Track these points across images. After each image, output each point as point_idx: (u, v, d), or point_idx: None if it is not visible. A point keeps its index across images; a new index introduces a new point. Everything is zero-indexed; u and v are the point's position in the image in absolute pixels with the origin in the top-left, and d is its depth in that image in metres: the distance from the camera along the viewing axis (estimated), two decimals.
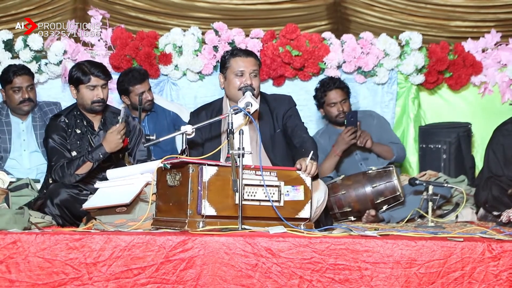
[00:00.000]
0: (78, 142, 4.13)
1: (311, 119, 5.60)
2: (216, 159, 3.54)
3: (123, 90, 5.10)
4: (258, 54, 5.47)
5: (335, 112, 5.10)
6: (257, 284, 2.91)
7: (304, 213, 3.41)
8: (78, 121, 4.19)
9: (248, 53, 3.95)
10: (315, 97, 5.18)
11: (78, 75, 4.09)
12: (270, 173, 3.35)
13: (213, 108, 4.00)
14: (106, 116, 4.23)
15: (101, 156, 4.01)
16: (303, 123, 3.99)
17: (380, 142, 5.07)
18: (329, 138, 5.13)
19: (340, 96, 5.09)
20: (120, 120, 4.04)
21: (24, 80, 4.84)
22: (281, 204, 3.34)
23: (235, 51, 3.94)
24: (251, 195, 3.29)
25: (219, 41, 5.51)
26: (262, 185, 3.30)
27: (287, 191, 3.37)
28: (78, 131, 4.17)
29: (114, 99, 5.31)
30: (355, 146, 5.01)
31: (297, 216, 3.38)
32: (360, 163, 5.08)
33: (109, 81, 4.19)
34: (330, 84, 5.11)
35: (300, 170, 3.43)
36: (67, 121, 4.17)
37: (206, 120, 3.81)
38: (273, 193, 3.34)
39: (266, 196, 3.31)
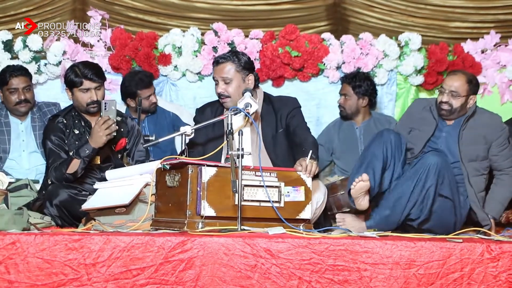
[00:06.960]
0: (77, 143, 4.12)
1: (310, 120, 5.58)
2: (217, 160, 3.54)
3: (130, 93, 5.08)
4: (257, 54, 5.47)
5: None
6: (256, 285, 2.91)
7: (305, 214, 3.41)
8: (76, 121, 4.18)
9: (217, 61, 3.89)
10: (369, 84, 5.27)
11: (71, 78, 4.08)
12: (270, 174, 3.35)
13: (218, 106, 3.99)
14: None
15: (88, 151, 3.96)
16: (306, 123, 3.98)
17: None
18: (339, 132, 5.19)
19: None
20: (101, 114, 3.99)
21: (21, 81, 4.82)
22: (282, 204, 3.34)
23: (215, 59, 3.92)
24: (251, 196, 3.28)
25: (219, 41, 5.50)
26: (262, 186, 3.29)
27: (288, 192, 3.37)
28: (76, 132, 4.16)
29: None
30: None
31: (297, 217, 3.38)
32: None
33: (104, 82, 4.17)
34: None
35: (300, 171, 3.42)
36: (65, 121, 4.16)
37: (211, 116, 3.84)
38: (273, 194, 3.33)
39: (266, 197, 3.30)
